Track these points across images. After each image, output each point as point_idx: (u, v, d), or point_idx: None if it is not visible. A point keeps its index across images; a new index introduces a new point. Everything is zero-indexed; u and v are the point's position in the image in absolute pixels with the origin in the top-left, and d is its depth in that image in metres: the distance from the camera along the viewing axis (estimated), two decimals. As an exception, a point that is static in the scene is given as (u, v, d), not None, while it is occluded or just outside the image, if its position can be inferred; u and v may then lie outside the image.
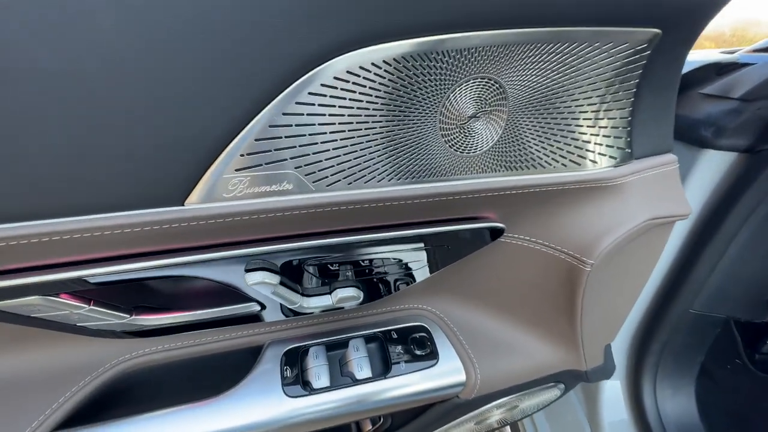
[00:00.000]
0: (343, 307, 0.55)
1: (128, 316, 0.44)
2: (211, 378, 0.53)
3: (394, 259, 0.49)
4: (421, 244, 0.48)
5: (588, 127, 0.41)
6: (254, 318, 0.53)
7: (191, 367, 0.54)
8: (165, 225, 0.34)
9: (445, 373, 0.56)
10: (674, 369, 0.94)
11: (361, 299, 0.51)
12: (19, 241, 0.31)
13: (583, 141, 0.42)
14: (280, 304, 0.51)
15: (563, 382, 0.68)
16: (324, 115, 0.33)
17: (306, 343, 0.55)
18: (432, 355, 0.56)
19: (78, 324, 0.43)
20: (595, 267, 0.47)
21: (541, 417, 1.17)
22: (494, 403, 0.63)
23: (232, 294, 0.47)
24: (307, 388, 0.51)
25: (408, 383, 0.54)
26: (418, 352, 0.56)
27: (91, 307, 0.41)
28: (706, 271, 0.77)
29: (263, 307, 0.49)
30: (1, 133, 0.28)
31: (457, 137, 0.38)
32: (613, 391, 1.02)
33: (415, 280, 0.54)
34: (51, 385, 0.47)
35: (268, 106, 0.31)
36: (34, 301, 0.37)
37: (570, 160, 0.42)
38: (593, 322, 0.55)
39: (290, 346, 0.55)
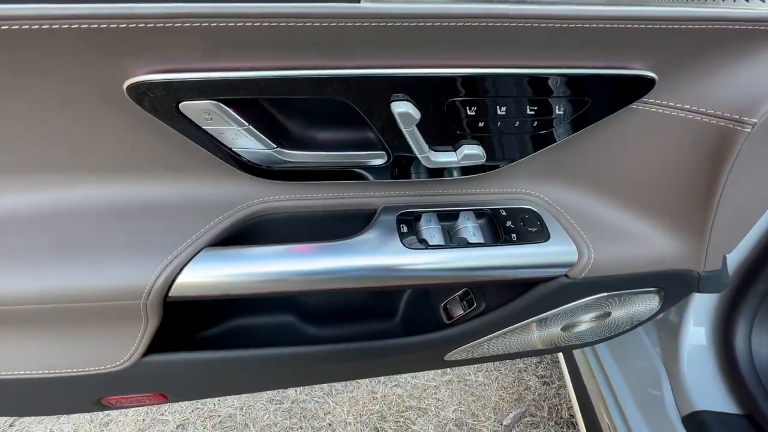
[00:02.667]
0: (444, 176, 0.55)
1: (274, 146, 0.47)
2: (329, 235, 0.56)
3: (520, 114, 0.48)
4: (547, 102, 0.47)
5: None
6: (372, 177, 0.54)
7: (312, 222, 0.58)
8: (340, 22, 0.35)
9: (558, 248, 0.55)
10: (778, 314, 0.87)
11: (485, 159, 0.51)
12: (202, 21, 0.34)
13: None
14: (393, 167, 0.52)
15: (666, 289, 0.65)
16: None
17: (417, 209, 0.57)
18: (543, 233, 0.56)
19: (232, 149, 0.47)
20: (756, 128, 0.43)
21: (611, 362, 1.14)
22: (595, 297, 0.62)
23: (364, 140, 0.49)
24: (424, 244, 0.53)
25: (520, 253, 0.54)
26: (528, 229, 0.56)
27: (249, 127, 0.44)
28: None
29: (389, 157, 0.50)
30: None
31: None
32: (696, 336, 0.96)
33: (532, 150, 0.53)
34: (198, 212, 0.52)
35: None
36: (208, 106, 0.41)
37: None
38: (729, 209, 0.51)
39: (403, 211, 0.56)
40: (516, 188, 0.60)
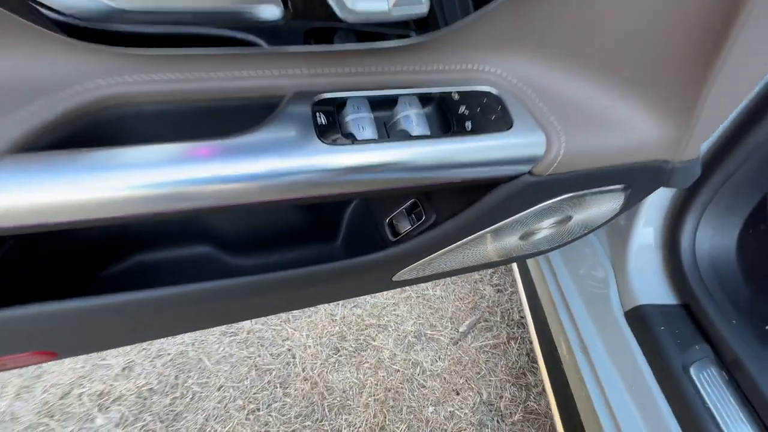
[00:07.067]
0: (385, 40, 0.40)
1: None
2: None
3: None
4: None
5: None
6: (273, 54, 0.38)
7: (188, 120, 0.41)
8: None
9: (523, 138, 0.44)
10: (726, 208, 0.87)
11: (426, 9, 0.36)
12: None
13: None
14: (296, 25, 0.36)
15: (633, 185, 0.58)
16: None
17: (341, 94, 0.42)
18: (505, 121, 0.44)
19: None
20: None
21: (561, 265, 1.16)
22: (559, 198, 0.54)
23: None
24: (350, 139, 0.40)
25: (477, 147, 0.43)
26: (487, 117, 0.44)
27: None
28: None
29: (286, 4, 0.34)
30: None
31: None
32: (645, 237, 0.96)
33: None
34: None
35: None
36: None
37: None
38: (729, 74, 0.41)
39: (321, 97, 0.41)
40: (471, 63, 0.46)
